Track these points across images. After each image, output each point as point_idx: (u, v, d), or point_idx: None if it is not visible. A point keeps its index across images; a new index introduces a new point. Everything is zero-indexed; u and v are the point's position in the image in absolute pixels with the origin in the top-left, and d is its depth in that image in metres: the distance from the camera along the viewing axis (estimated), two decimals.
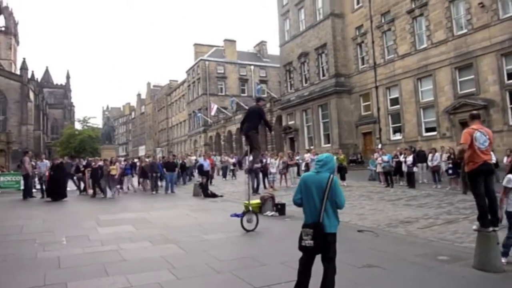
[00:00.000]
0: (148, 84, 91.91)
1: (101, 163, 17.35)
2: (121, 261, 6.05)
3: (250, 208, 8.79)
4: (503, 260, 5.40)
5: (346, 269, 5.05)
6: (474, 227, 5.58)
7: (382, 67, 27.33)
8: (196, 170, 20.74)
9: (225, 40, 59.42)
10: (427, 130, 24.28)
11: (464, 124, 21.86)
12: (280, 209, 10.50)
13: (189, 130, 64.25)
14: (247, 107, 47.89)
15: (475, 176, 5.61)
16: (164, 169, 17.74)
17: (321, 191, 4.13)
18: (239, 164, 9.94)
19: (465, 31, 21.35)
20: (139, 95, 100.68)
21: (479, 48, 20.39)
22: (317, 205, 4.14)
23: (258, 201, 10.99)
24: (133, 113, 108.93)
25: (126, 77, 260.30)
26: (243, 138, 11.24)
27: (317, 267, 4.23)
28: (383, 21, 27.22)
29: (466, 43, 21.15)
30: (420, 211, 10.04)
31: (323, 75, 31.91)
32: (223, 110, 51.93)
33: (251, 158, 9.29)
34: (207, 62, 57.23)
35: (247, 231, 8.12)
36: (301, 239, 4.28)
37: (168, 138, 77.89)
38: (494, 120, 19.73)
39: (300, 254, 6.25)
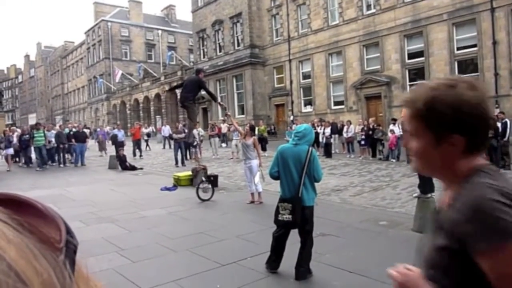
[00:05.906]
0: (39, 44, 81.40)
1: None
2: None
3: (204, 178, 8.89)
4: None
5: None
6: (415, 194, 6.11)
7: (296, 41, 27.98)
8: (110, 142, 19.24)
9: (130, 1, 54.93)
10: (336, 103, 25.81)
11: (368, 99, 23.83)
12: (213, 181, 10.28)
13: (89, 97, 59.13)
14: (155, 74, 45.58)
15: None
16: (73, 140, 16.09)
17: (300, 164, 4.04)
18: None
19: (373, 11, 22.79)
20: (27, 56, 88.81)
21: (385, 28, 22.00)
22: (295, 179, 4.05)
23: (189, 173, 10.68)
24: (20, 77, 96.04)
25: (10, 35, 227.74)
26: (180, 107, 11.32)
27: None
28: None
29: (374, 23, 22.64)
30: (345, 180, 10.70)
31: (238, 45, 31.61)
32: (129, 77, 48.57)
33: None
34: (109, 24, 52.47)
35: (203, 200, 8.25)
36: (277, 213, 4.18)
37: (63, 105, 70.80)
38: (395, 96, 21.72)
39: (253, 227, 6.25)
